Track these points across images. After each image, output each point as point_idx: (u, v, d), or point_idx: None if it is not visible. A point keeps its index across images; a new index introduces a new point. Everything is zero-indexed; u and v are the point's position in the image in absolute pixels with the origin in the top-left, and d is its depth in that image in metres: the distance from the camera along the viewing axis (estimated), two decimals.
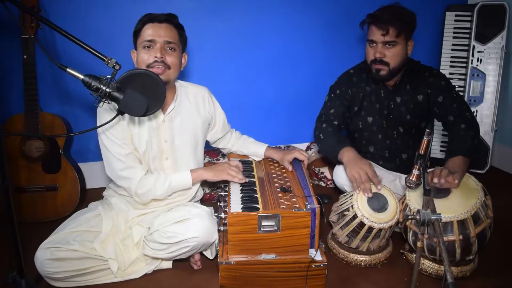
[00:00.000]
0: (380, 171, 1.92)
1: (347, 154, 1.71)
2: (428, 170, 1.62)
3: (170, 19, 1.60)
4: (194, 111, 1.74)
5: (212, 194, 2.30)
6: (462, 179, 1.61)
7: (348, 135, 2.14)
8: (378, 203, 1.62)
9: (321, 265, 1.46)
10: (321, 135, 1.87)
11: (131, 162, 1.60)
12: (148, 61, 1.54)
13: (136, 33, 1.60)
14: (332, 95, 1.95)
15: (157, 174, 1.64)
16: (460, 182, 1.56)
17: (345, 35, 2.62)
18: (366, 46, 1.83)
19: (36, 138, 2.11)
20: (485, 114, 2.56)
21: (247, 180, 1.68)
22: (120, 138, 1.59)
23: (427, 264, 1.61)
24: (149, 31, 1.55)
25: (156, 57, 1.53)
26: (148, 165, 1.67)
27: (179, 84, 1.75)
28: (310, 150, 2.66)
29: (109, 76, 1.21)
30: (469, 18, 2.57)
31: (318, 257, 1.48)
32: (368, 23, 1.79)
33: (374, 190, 1.64)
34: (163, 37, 1.55)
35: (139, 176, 1.59)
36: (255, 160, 1.95)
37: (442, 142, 2.73)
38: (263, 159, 1.95)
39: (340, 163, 1.81)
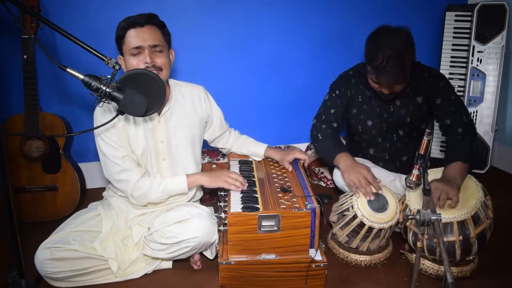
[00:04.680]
0: (380, 171, 1.92)
1: (344, 160, 1.72)
2: (428, 171, 1.62)
3: (151, 20, 1.56)
4: (190, 110, 1.74)
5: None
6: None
7: (348, 138, 2.14)
8: (378, 203, 1.62)
9: (321, 265, 1.46)
10: (319, 135, 1.86)
11: (127, 164, 1.59)
12: (139, 67, 1.52)
13: (119, 39, 1.57)
14: (333, 95, 1.94)
15: (152, 177, 1.63)
16: (459, 191, 1.55)
17: (345, 34, 2.62)
18: (369, 73, 1.76)
19: (36, 138, 2.11)
20: (485, 114, 2.56)
21: (245, 187, 1.62)
22: (115, 141, 1.58)
23: (427, 264, 1.61)
24: (133, 37, 1.52)
25: (146, 62, 1.51)
26: (146, 167, 1.66)
27: (174, 83, 1.74)
28: (310, 150, 2.66)
29: (109, 76, 1.21)
30: (469, 18, 2.57)
31: (318, 257, 1.48)
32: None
33: (374, 191, 1.64)
34: (148, 41, 1.52)
35: (134, 178, 1.59)
36: (255, 160, 1.95)
37: (442, 142, 2.73)
38: (263, 159, 1.94)
39: (334, 166, 1.82)
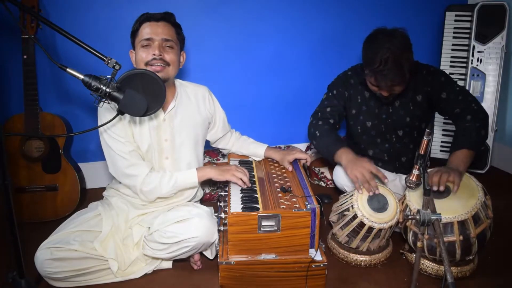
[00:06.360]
0: (380, 170, 1.92)
1: (345, 155, 1.71)
2: (428, 170, 1.62)
3: (167, 18, 1.60)
4: (194, 110, 1.74)
5: (212, 194, 2.30)
6: (463, 179, 1.60)
7: (347, 139, 2.14)
8: (378, 203, 1.62)
9: (321, 265, 1.46)
10: (317, 132, 1.86)
11: (135, 159, 1.60)
12: (147, 58, 1.54)
13: (134, 33, 1.61)
14: (330, 94, 1.95)
15: (162, 172, 1.63)
16: (461, 178, 1.56)
17: (344, 35, 2.62)
18: (368, 76, 1.75)
19: (36, 138, 2.11)
20: None
21: (250, 185, 1.65)
22: (122, 136, 1.59)
23: (427, 264, 1.61)
24: (146, 30, 1.55)
25: (154, 54, 1.53)
26: (150, 163, 1.67)
27: (179, 83, 1.75)
28: (310, 150, 2.66)
29: (109, 76, 1.21)
30: (469, 18, 2.57)
31: (318, 257, 1.48)
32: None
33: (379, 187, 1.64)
34: (160, 35, 1.55)
35: (144, 173, 1.59)
36: (255, 160, 1.95)
37: (442, 142, 2.73)
38: (263, 159, 1.95)
39: (335, 162, 1.81)
